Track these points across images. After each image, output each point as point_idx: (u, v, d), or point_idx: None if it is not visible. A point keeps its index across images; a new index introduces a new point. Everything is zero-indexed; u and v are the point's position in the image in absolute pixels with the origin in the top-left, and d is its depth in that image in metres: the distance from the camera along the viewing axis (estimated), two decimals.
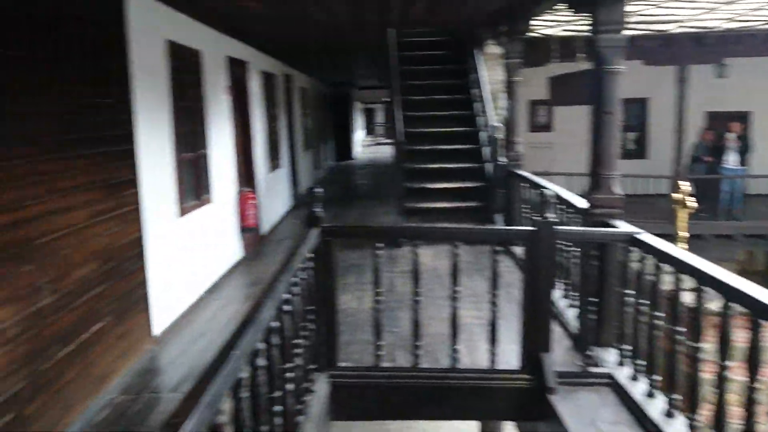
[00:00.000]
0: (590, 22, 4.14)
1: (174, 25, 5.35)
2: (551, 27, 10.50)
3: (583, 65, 7.37)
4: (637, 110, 14.20)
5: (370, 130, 41.12)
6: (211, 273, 6.25)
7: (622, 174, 9.90)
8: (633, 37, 10.22)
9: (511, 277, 5.94)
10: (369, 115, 42.48)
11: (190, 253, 5.53)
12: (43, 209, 3.18)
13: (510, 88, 7.26)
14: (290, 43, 8.86)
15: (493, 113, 8.47)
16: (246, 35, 7.79)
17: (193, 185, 5.78)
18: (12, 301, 2.88)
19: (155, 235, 4.68)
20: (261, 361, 2.29)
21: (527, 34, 6.88)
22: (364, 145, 32.69)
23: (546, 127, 14.31)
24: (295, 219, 10.30)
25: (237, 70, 7.51)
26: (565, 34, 9.94)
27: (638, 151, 14.46)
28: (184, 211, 5.37)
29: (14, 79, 2.95)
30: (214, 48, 6.57)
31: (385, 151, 29.84)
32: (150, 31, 4.79)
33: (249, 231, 7.61)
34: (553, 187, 5.75)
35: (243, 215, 7.37)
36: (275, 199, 9.78)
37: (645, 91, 13.40)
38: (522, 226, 7.08)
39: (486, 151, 8.60)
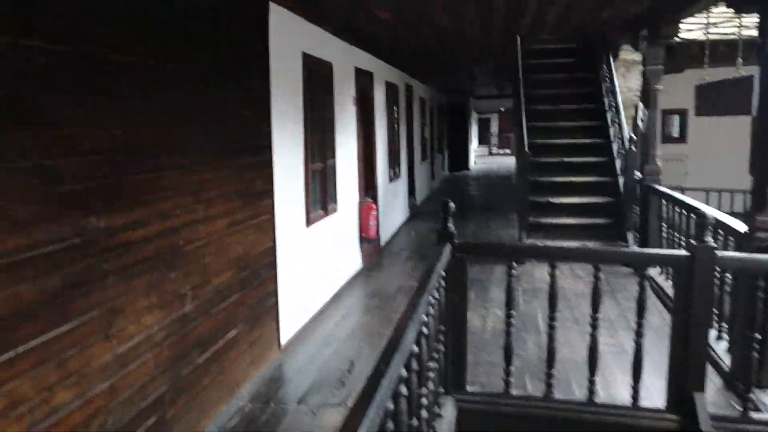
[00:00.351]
0: (758, 23, 3.69)
1: (309, 38, 5.46)
2: (689, 31, 9.70)
3: (725, 72, 6.70)
4: None
5: (484, 139, 40.48)
6: (333, 283, 6.31)
7: None
8: None
9: (647, 302, 5.46)
10: (483, 124, 41.88)
11: (314, 262, 5.60)
12: (189, 218, 3.29)
13: (649, 97, 6.74)
14: (413, 52, 8.84)
15: (627, 124, 7.92)
16: (373, 46, 7.86)
17: (320, 195, 5.87)
18: (160, 307, 2.99)
19: (285, 245, 4.77)
20: (403, 389, 2.17)
21: (673, 39, 6.34)
22: (478, 155, 32.24)
23: (679, 139, 13.28)
24: (411, 230, 10.25)
25: (363, 80, 7.58)
26: (706, 38, 9.13)
27: None
28: (310, 221, 5.45)
29: (169, 93, 3.08)
30: (344, 59, 6.66)
31: (501, 162, 29.29)
32: (288, 44, 4.90)
33: (369, 242, 7.63)
34: (704, 207, 5.22)
35: (364, 226, 7.40)
36: (393, 210, 9.78)
37: None
38: (660, 247, 6.53)
39: (618, 164, 8.06)
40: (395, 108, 10.00)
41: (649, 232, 6.83)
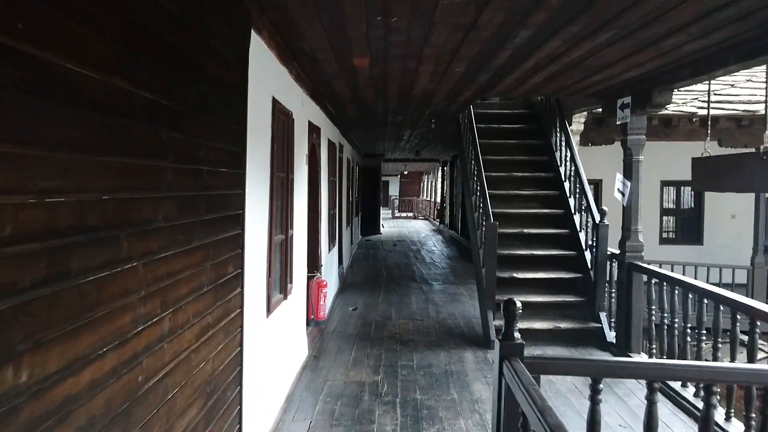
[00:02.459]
0: None
1: (276, 81, 4.40)
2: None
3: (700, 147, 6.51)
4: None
5: (385, 202, 40.42)
6: (284, 383, 5.03)
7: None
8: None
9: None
10: (383, 187, 41.98)
11: (270, 363, 4.34)
12: (153, 336, 2.05)
13: (631, 168, 6.26)
14: (362, 108, 7.97)
15: (590, 194, 7.46)
16: (327, 97, 6.91)
17: (281, 274, 4.67)
18: None
19: (250, 347, 3.52)
20: None
21: (665, 108, 5.95)
22: (383, 219, 31.79)
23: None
24: (346, 303, 9.10)
25: (313, 136, 6.55)
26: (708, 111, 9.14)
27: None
28: (271, 309, 4.23)
29: (136, 137, 1.89)
30: (301, 110, 5.63)
31: (407, 226, 28.90)
32: (261, 87, 3.81)
33: (317, 324, 6.42)
34: (730, 293, 4.63)
35: (315, 306, 6.21)
36: (328, 282, 8.61)
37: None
38: (647, 331, 5.90)
39: (583, 236, 7.53)
40: (334, 168, 9.02)
41: (632, 315, 6.22)
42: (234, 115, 3.16)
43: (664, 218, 13.95)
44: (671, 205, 13.89)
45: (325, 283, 6.35)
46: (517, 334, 2.68)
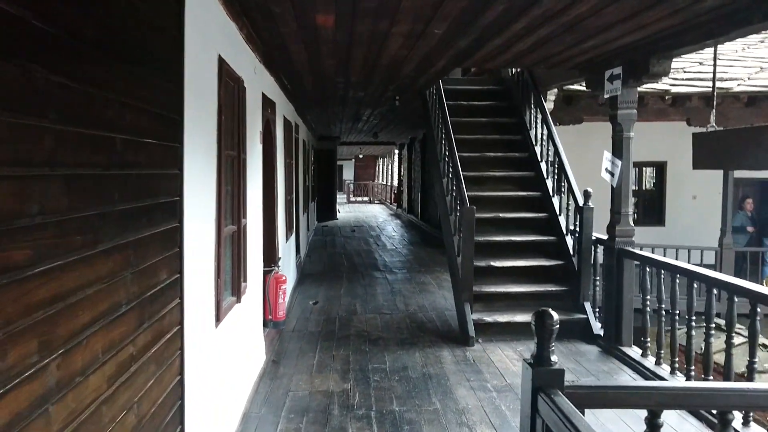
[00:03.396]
0: None
1: (225, 39, 3.58)
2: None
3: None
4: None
5: (340, 187, 39.60)
6: (239, 400, 4.27)
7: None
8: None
9: None
10: (338, 171, 41.17)
11: (220, 382, 3.58)
12: (26, 397, 1.28)
13: (622, 145, 5.71)
14: (321, 81, 7.17)
15: (572, 175, 6.90)
16: (282, 67, 6.08)
17: (233, 273, 3.89)
18: None
19: (193, 370, 2.75)
20: None
21: (663, 78, 5.38)
22: (339, 203, 31.04)
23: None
24: (306, 297, 8.34)
25: (268, 111, 5.74)
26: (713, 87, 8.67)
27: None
28: (221, 317, 3.45)
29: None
30: (253, 78, 4.81)
31: (364, 211, 28.17)
32: (203, 41, 3.00)
33: (276, 325, 5.65)
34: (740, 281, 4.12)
35: (273, 305, 5.44)
36: (287, 275, 7.82)
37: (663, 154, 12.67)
38: (640, 324, 5.35)
39: (563, 220, 6.99)
40: (291, 150, 8.21)
41: (623, 306, 5.70)
42: (165, 69, 2.36)
43: (632, 200, 13.74)
44: (633, 187, 13.66)
45: (284, 278, 5.58)
46: (554, 358, 2.02)
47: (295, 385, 5.03)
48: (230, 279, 3.83)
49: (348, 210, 28.56)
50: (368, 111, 11.13)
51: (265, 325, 5.50)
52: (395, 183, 29.80)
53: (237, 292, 3.93)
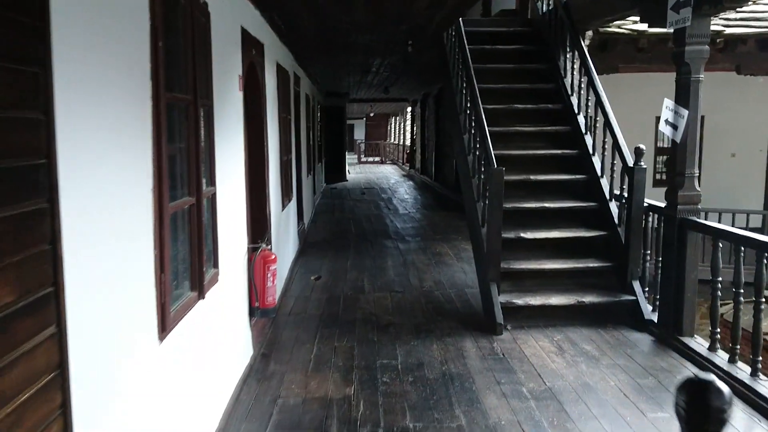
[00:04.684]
0: None
1: None
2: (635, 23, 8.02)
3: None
4: None
5: (350, 147, 38.44)
6: (209, 417, 3.36)
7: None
8: None
9: None
10: (348, 130, 39.99)
11: (170, 412, 2.64)
12: None
13: (689, 90, 4.60)
14: (320, 21, 6.07)
15: (618, 129, 5.78)
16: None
17: (191, 262, 2.91)
18: None
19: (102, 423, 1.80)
20: None
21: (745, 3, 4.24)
22: (349, 164, 30.00)
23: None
24: (307, 271, 7.41)
25: (252, 53, 4.67)
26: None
27: None
28: (168, 324, 2.49)
29: None
30: (227, 5, 3.74)
31: (375, 171, 27.07)
32: None
33: (265, 313, 4.71)
34: None
35: (260, 290, 4.48)
36: (285, 247, 6.88)
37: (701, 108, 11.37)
38: (711, 312, 4.32)
39: (605, 183, 5.92)
40: (287, 104, 7.15)
41: (686, 288, 4.69)
42: None
43: (659, 158, 12.56)
44: (668, 144, 12.46)
45: (273, 257, 4.59)
46: None
47: (287, 388, 4.11)
48: (187, 270, 2.85)
49: (358, 171, 27.49)
50: (378, 61, 9.98)
51: (251, 313, 4.56)
52: (408, 142, 28.61)
53: (199, 286, 2.96)
